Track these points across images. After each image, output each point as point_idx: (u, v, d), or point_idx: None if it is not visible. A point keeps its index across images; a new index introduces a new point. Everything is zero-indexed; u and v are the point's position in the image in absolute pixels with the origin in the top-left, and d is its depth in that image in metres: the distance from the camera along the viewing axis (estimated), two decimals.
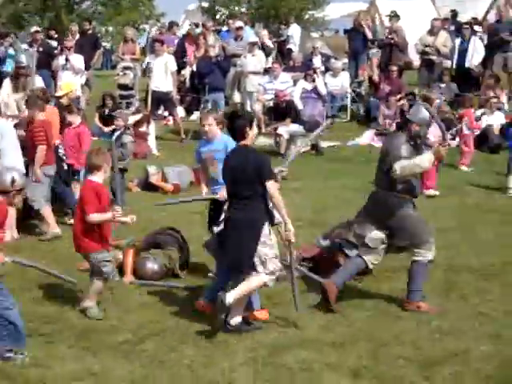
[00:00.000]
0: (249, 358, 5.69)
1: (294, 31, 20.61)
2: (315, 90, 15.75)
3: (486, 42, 17.26)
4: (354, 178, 12.15)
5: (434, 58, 16.54)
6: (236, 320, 6.17)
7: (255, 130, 6.32)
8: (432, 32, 16.79)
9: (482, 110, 14.15)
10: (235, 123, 6.23)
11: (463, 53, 16.53)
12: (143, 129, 13.95)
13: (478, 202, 10.57)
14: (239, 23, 18.17)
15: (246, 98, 16.54)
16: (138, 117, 13.92)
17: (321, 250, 7.78)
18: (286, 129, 14.00)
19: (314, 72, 16.02)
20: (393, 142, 6.76)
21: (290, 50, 18.78)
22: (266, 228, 6.09)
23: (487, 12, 21.34)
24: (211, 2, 30.58)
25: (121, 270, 7.43)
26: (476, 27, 17.37)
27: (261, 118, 15.52)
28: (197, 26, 22.46)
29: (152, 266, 7.59)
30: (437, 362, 5.57)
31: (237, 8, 29.51)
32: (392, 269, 7.56)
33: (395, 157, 6.53)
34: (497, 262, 7.86)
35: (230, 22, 19.83)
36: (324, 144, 14.71)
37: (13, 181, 5.83)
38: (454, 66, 16.84)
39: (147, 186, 11.46)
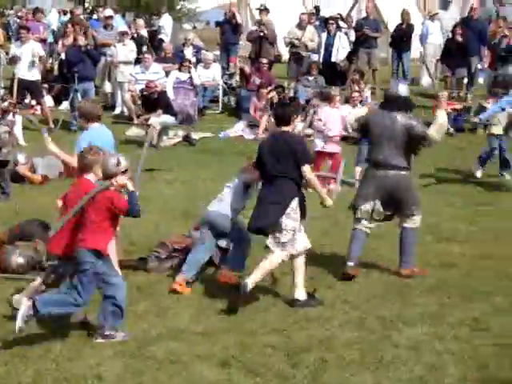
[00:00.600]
0: (117, 351, 5.64)
1: (166, 22, 20.48)
2: (189, 80, 15.75)
3: (352, 37, 17.81)
4: (225, 168, 12.23)
5: (301, 51, 16.89)
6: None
7: (298, 118, 6.82)
8: (300, 26, 17.14)
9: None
10: (284, 110, 6.73)
11: (329, 47, 16.97)
12: (9, 118, 13.46)
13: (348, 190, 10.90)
14: (109, 12, 17.87)
15: (117, 88, 16.32)
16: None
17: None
18: (157, 120, 13.91)
19: (190, 63, 16.01)
20: (397, 119, 7.20)
21: (162, 41, 18.67)
22: (294, 203, 6.51)
23: (351, 8, 21.97)
24: None
25: None
26: (341, 23, 17.87)
27: (132, 109, 15.37)
28: (65, 13, 21.91)
29: (16, 258, 7.36)
30: (303, 349, 5.72)
31: None
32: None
33: (421, 127, 7.21)
34: (365, 252, 8.10)
35: (100, 10, 19.46)
36: (196, 135, 14.73)
37: (118, 163, 5.80)
38: (321, 60, 17.27)
39: (14, 176, 11.02)
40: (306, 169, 6.56)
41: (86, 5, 29.17)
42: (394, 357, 5.60)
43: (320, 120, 11.56)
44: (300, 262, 6.66)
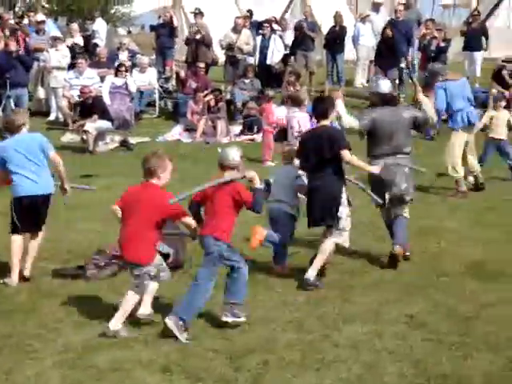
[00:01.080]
0: (57, 362, 5.56)
1: (100, 26, 20.28)
2: (125, 85, 15.64)
3: (287, 40, 17.98)
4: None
5: (237, 55, 16.97)
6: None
7: (335, 112, 7.34)
8: (235, 29, 17.22)
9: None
10: (322, 105, 7.28)
11: (264, 50, 17.09)
12: None
13: None
14: (41, 17, 17.62)
15: (51, 94, 16.11)
16: None
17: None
18: (93, 125, 13.78)
19: (126, 69, 15.90)
20: (401, 113, 7.96)
21: (96, 46, 18.49)
22: (343, 191, 7.15)
23: (285, 11, 22.21)
24: None
25: None
26: (275, 26, 18.02)
27: (68, 115, 15.18)
28: None
29: None
30: (245, 352, 5.73)
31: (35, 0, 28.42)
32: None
33: (422, 114, 8.08)
34: (302, 253, 8.19)
35: (31, 14, 19.14)
36: (133, 140, 14.64)
37: (241, 155, 6.16)
38: (257, 63, 17.37)
39: None
40: (345, 153, 7.07)
41: (17, 9, 28.58)
42: (335, 356, 5.67)
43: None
44: (329, 247, 7.24)
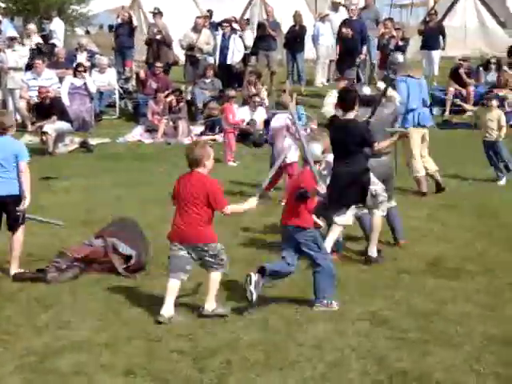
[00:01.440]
0: (18, 366, 5.49)
1: (57, 26, 20.08)
2: (84, 86, 15.51)
3: (247, 40, 18.01)
4: (124, 174, 12.15)
5: (197, 54, 16.95)
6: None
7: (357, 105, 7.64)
8: (195, 29, 17.19)
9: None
10: (349, 97, 7.64)
11: (224, 50, 17.09)
12: None
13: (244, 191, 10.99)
14: None
15: (8, 95, 15.89)
16: None
17: (93, 249, 7.69)
18: (52, 126, 13.64)
19: (84, 69, 15.76)
20: (384, 111, 8.43)
21: (54, 46, 18.31)
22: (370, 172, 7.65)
23: (245, 11, 22.25)
24: None
25: None
26: (235, 25, 18.04)
27: (26, 116, 15.00)
28: None
29: None
30: (209, 353, 5.73)
31: None
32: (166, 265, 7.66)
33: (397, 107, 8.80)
34: (264, 252, 8.22)
35: None
36: (93, 141, 14.54)
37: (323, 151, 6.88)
38: (217, 63, 17.36)
39: None
40: (374, 145, 7.62)
41: None
42: (299, 355, 5.69)
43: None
44: (379, 221, 7.82)
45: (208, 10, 20.17)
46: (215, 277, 6.42)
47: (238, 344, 5.91)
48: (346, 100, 7.66)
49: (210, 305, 6.41)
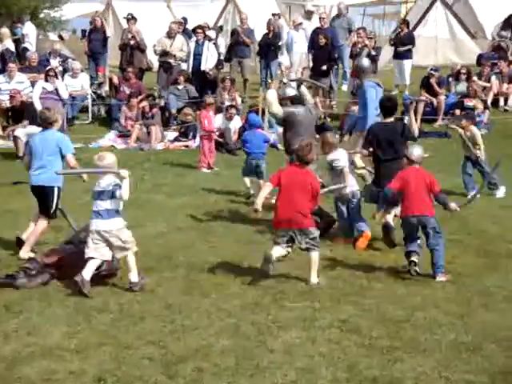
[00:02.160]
0: None
1: (29, 30, 19.94)
2: (56, 90, 15.40)
3: (220, 47, 18.05)
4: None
5: (171, 60, 16.93)
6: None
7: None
8: (169, 35, 17.17)
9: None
10: (391, 103, 8.99)
11: (198, 56, 17.09)
12: None
13: (217, 200, 11.00)
14: None
15: None
16: None
17: (64, 255, 7.65)
18: (23, 131, 13.53)
19: (55, 73, 15.64)
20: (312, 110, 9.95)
21: (26, 50, 18.17)
22: None
23: (219, 18, 22.30)
24: None
25: None
26: (209, 32, 18.05)
27: None
28: None
29: None
30: (180, 360, 5.72)
31: None
32: (145, 268, 7.64)
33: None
34: (235, 259, 8.23)
35: None
36: None
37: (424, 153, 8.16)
38: (191, 69, 17.35)
39: None
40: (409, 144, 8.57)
41: None
42: (270, 362, 5.70)
43: None
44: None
45: (183, 17, 20.15)
46: (314, 256, 7.47)
47: (209, 351, 5.91)
48: (390, 106, 8.93)
49: (314, 278, 7.41)
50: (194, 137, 15.10)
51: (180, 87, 16.40)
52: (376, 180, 8.81)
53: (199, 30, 17.33)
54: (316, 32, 16.97)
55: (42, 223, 8.35)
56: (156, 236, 9.10)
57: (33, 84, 15.41)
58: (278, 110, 9.62)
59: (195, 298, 7.06)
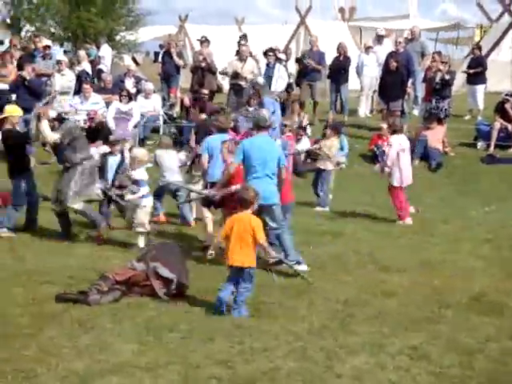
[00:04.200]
0: None
1: (105, 52, 20.43)
2: (130, 111, 15.71)
3: (291, 69, 18.10)
4: None
5: (241, 82, 17.07)
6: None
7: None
8: (241, 57, 17.33)
9: None
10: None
11: (268, 79, 17.21)
12: None
13: None
14: (47, 42, 17.73)
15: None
16: None
17: (134, 273, 7.75)
18: (96, 150, 13.80)
19: (129, 94, 15.97)
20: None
21: (101, 71, 18.62)
22: None
23: (289, 41, 22.40)
24: (13, 18, 29.51)
25: None
26: (280, 55, 18.15)
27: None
28: (1, 42, 21.65)
29: None
30: (247, 381, 5.70)
31: (38, 24, 28.58)
32: (205, 291, 7.70)
33: None
34: (303, 282, 8.20)
35: (36, 40, 19.24)
36: None
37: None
38: None
39: None
40: None
41: (23, 34, 28.78)
42: None
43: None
44: None
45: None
46: None
47: (277, 374, 5.87)
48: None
49: None
50: None
51: (250, 109, 16.50)
52: None
53: (270, 53, 17.45)
54: (389, 56, 16.88)
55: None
56: None
57: (107, 104, 15.75)
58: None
59: (264, 320, 7.05)
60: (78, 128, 10.12)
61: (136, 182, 9.46)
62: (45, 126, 9.67)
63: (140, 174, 9.49)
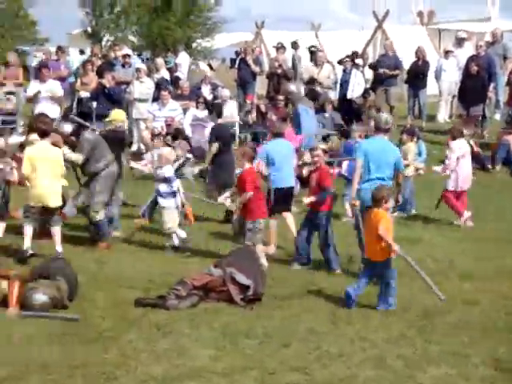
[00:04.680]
0: None
1: (183, 59, 20.69)
2: (206, 117, 15.85)
3: (367, 74, 17.94)
4: None
5: (317, 88, 17.02)
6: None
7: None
8: (317, 63, 17.30)
9: None
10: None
11: (345, 84, 17.09)
12: None
13: None
14: (126, 50, 18.07)
15: (133, 125, 16.42)
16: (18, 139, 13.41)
17: (212, 278, 7.80)
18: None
19: (205, 101, 16.11)
20: None
21: (178, 78, 18.86)
22: None
23: (366, 46, 22.20)
24: (94, 27, 30.23)
25: (5, 301, 7.20)
26: (357, 60, 18.02)
27: (149, 146, 15.42)
28: (82, 52, 22.14)
29: (40, 296, 7.36)
30: None
31: (120, 34, 29.23)
32: (281, 297, 7.69)
33: None
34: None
35: (116, 48, 19.65)
36: None
37: None
38: (337, 97, 17.40)
39: None
40: None
41: (104, 43, 29.49)
42: None
43: None
44: None
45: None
46: None
47: (354, 381, 5.81)
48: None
49: None
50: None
51: (326, 115, 16.44)
52: None
53: (347, 59, 17.34)
54: (470, 59, 16.53)
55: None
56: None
57: (185, 111, 15.93)
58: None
59: (340, 325, 6.98)
60: (94, 134, 10.10)
61: (166, 180, 9.62)
62: (65, 150, 9.69)
63: (169, 171, 9.70)
